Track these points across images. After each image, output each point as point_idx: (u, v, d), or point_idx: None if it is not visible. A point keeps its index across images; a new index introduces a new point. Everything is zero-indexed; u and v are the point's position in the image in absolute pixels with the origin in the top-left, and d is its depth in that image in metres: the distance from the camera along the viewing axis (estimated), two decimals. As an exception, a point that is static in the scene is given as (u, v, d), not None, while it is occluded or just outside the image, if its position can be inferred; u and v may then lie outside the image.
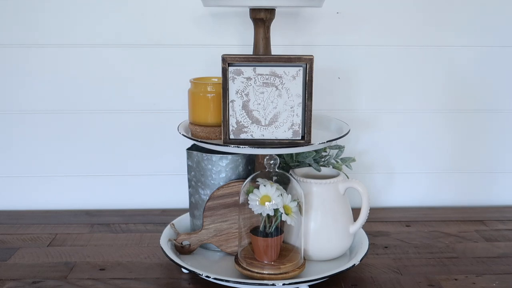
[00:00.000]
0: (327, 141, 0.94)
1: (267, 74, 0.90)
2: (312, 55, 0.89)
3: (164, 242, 1.02)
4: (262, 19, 0.99)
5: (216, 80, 1.03)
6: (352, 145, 1.29)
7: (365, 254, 0.99)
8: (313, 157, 1.05)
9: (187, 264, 0.96)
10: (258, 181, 0.93)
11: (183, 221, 1.12)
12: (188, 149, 1.05)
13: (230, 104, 0.91)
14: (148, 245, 1.10)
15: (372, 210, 1.22)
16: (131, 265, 1.02)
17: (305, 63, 0.89)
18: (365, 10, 1.23)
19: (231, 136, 0.93)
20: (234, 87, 0.91)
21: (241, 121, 0.92)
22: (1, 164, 1.29)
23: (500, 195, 1.35)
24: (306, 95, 0.91)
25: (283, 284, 0.89)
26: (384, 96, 1.28)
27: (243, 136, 0.93)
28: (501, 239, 1.14)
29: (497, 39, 1.26)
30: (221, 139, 0.95)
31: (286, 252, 0.96)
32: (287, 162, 1.08)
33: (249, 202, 0.92)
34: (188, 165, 1.04)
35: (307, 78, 0.90)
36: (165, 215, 1.24)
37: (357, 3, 1.23)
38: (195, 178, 1.03)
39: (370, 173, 1.32)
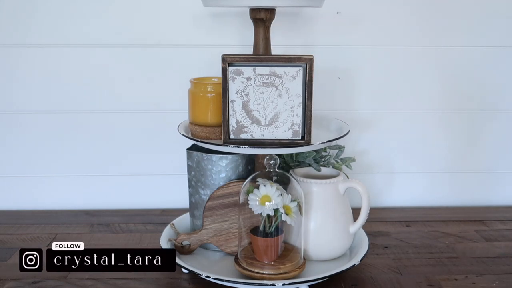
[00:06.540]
0: (327, 141, 0.94)
1: (267, 74, 0.90)
2: (312, 55, 0.89)
3: (164, 242, 1.02)
4: (262, 19, 0.99)
5: (216, 80, 1.02)
6: (352, 145, 1.29)
7: (365, 254, 0.99)
8: (313, 157, 1.05)
9: (187, 264, 0.96)
10: (258, 181, 0.93)
11: (183, 221, 1.12)
12: (188, 149, 1.05)
13: (230, 104, 0.91)
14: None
15: (372, 210, 1.22)
16: (131, 265, 1.02)
17: (305, 63, 0.89)
18: (365, 10, 1.23)
19: (231, 136, 0.93)
20: (234, 87, 0.90)
21: (241, 121, 0.92)
22: (1, 164, 1.29)
23: (500, 195, 1.35)
24: (306, 95, 0.90)
25: (283, 284, 0.89)
26: (384, 96, 1.28)
27: (243, 136, 0.93)
28: (501, 239, 1.14)
29: (497, 39, 1.26)
30: (221, 139, 0.95)
31: (286, 252, 0.96)
32: (287, 162, 1.08)
33: (249, 202, 0.92)
34: (188, 165, 1.04)
35: (307, 78, 0.90)
36: (165, 215, 1.24)
37: (357, 3, 1.23)
38: (195, 178, 1.03)
39: (370, 173, 1.32)
